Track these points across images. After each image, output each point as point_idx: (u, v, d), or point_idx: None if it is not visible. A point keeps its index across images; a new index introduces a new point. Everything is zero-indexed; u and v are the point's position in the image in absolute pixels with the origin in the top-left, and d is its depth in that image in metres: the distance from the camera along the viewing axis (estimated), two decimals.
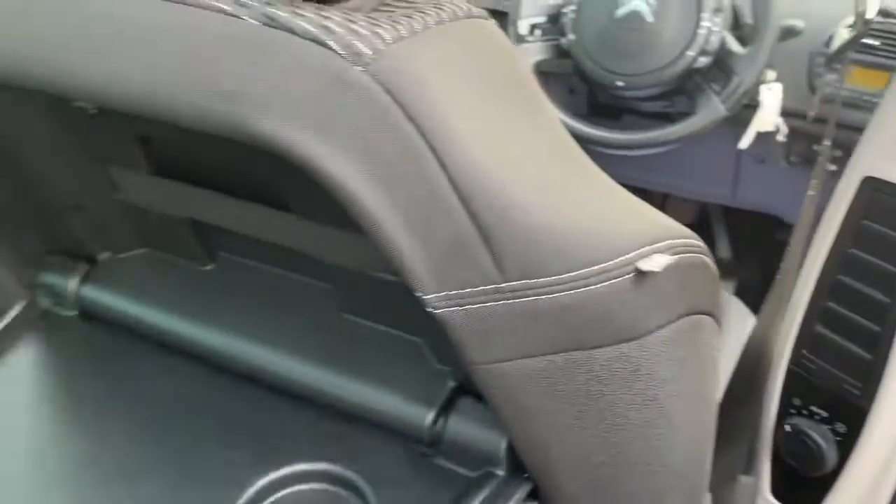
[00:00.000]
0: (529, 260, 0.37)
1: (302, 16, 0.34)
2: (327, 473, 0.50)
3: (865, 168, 0.58)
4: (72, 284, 0.63)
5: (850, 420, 0.54)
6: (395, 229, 0.35)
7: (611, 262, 0.39)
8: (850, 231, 0.57)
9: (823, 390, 0.55)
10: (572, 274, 0.38)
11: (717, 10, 0.80)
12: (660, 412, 0.47)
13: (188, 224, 0.57)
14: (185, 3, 0.36)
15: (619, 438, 0.46)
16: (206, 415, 0.55)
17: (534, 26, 1.16)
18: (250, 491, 0.49)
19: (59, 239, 0.62)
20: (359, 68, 0.33)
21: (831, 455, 0.55)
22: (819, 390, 0.55)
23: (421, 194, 0.35)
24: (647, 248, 0.41)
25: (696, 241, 0.47)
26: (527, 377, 0.41)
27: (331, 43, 0.33)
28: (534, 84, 0.46)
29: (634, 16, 0.83)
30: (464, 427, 0.50)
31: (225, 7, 0.35)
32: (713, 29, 0.79)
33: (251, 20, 0.34)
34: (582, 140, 0.86)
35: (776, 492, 0.60)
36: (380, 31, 0.35)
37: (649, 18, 0.82)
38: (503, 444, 0.49)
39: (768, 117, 0.80)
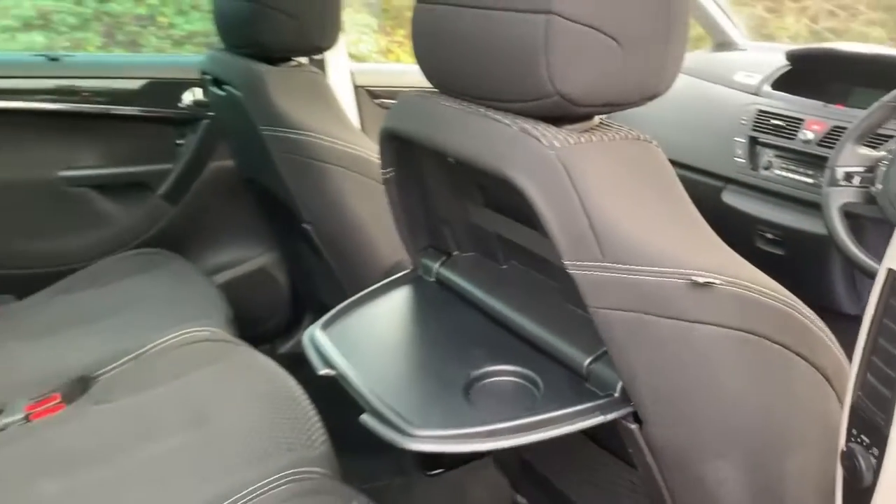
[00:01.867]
0: (621, 254, 0.74)
1: (534, 127, 0.77)
2: (520, 372, 0.90)
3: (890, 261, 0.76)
4: (436, 266, 1.13)
5: (880, 444, 0.74)
6: (558, 234, 0.76)
7: (673, 269, 0.74)
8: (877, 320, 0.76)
9: (868, 422, 0.76)
10: (645, 268, 0.74)
11: None
12: (710, 391, 0.78)
13: (496, 237, 1.04)
14: (485, 116, 0.82)
15: (676, 386, 0.78)
16: (475, 340, 0.99)
17: (850, 174, 1.44)
18: (476, 372, 0.91)
19: (435, 238, 1.13)
20: (552, 153, 0.75)
21: (868, 473, 0.75)
22: (865, 422, 0.76)
23: (570, 217, 0.75)
24: (706, 272, 0.75)
25: (772, 289, 0.78)
26: (619, 323, 0.77)
27: (542, 140, 0.76)
28: (679, 188, 0.82)
29: None
30: (602, 370, 0.86)
31: (502, 119, 0.80)
32: None
33: (513, 127, 0.78)
34: None
35: None
36: (570, 137, 0.76)
37: None
38: (620, 383, 0.83)
39: None
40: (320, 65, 2.05)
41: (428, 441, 0.80)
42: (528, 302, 0.98)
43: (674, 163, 0.83)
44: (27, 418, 1.40)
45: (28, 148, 1.99)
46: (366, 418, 0.85)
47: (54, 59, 2.04)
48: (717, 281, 0.75)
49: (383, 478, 1.78)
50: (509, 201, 0.95)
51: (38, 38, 4.81)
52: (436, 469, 1.81)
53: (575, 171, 0.74)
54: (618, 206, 0.75)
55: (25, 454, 1.27)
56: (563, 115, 0.78)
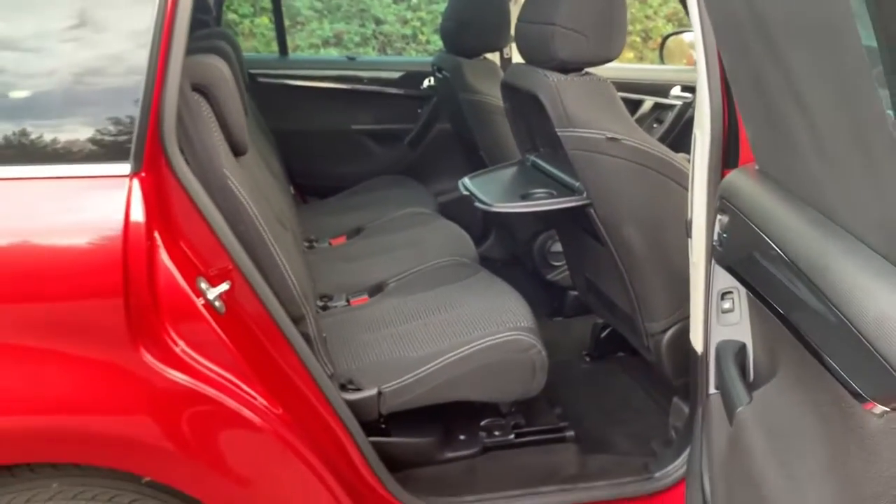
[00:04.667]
0: (577, 124, 1.76)
1: (549, 74, 1.80)
2: (548, 191, 1.92)
3: None
4: (531, 157, 2.18)
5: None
6: (553, 118, 1.79)
7: (599, 131, 1.75)
8: None
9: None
10: (586, 129, 1.75)
11: None
12: (621, 190, 1.77)
13: (556, 137, 2.07)
14: (535, 70, 1.86)
15: (606, 189, 1.78)
16: (535, 181, 2.02)
17: None
18: (528, 191, 1.95)
19: (531, 141, 2.18)
20: (553, 83, 1.78)
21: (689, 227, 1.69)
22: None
23: (557, 110, 1.78)
24: (617, 134, 1.74)
25: (657, 147, 1.76)
26: (579, 156, 1.78)
27: (549, 78, 1.79)
28: (616, 101, 1.81)
29: None
30: (581, 186, 1.86)
31: (538, 71, 1.84)
32: None
33: (540, 73, 1.82)
34: None
35: None
36: (564, 77, 1.79)
37: None
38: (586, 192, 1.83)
39: None
40: (509, 61, 3.17)
41: (500, 207, 1.87)
42: (565, 166, 1.99)
43: None
44: (329, 244, 2.67)
45: (333, 111, 3.36)
46: (477, 203, 1.93)
47: (351, 59, 3.42)
48: (619, 137, 1.73)
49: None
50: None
51: (333, 51, 6.50)
52: (558, 316, 2.82)
53: (562, 91, 1.77)
54: (578, 104, 1.76)
55: (349, 322, 2.47)
56: (564, 68, 1.81)
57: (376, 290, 2.21)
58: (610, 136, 1.73)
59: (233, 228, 1.45)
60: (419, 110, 3.39)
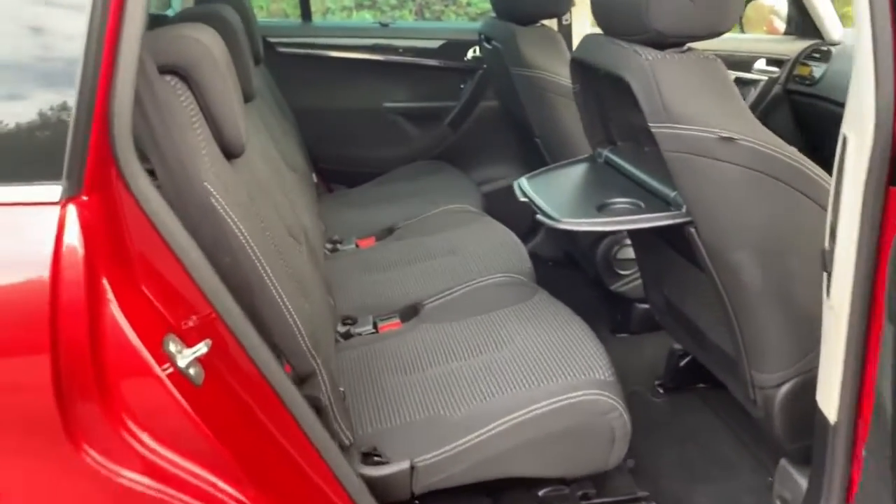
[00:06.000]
0: (677, 119, 1.33)
1: (640, 49, 1.36)
2: (632, 201, 1.50)
3: None
4: (605, 151, 1.74)
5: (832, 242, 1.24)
6: (645, 108, 1.35)
7: (708, 128, 1.31)
8: None
9: (832, 228, 1.26)
10: (691, 126, 1.32)
11: None
12: (734, 207, 1.33)
13: (641, 129, 1.63)
14: (619, 45, 1.43)
15: (713, 204, 1.35)
16: (613, 187, 1.60)
17: None
18: (607, 200, 1.53)
19: (606, 133, 1.75)
20: (646, 63, 1.35)
21: (829, 263, 1.26)
22: (831, 229, 1.27)
23: (651, 98, 1.35)
24: (732, 132, 1.30)
25: (784, 149, 1.31)
26: (678, 162, 1.34)
27: (641, 55, 1.35)
28: (730, 87, 1.36)
29: None
30: (678, 199, 1.43)
31: (625, 45, 1.40)
32: None
33: (629, 49, 1.38)
34: None
35: None
36: (659, 54, 1.35)
37: None
38: (685, 206, 1.40)
39: None
40: (568, 28, 2.71)
41: (570, 224, 1.45)
42: (652, 167, 1.57)
43: None
44: (357, 246, 2.28)
45: (362, 86, 2.93)
46: (540, 217, 1.52)
47: (384, 25, 2.96)
48: (735, 137, 1.30)
49: None
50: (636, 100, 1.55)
51: (366, 15, 6.04)
52: (623, 333, 2.41)
53: (658, 73, 1.34)
54: (680, 93, 1.33)
55: (355, 261, 2.13)
56: (660, 42, 1.37)
57: (410, 313, 1.84)
58: (724, 134, 1.29)
59: (216, 262, 1.07)
60: (462, 86, 2.94)
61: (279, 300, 1.18)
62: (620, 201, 1.52)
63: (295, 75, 2.84)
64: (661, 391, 2.09)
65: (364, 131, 2.95)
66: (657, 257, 1.79)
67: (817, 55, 2.64)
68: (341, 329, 1.78)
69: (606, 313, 2.46)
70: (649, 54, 1.36)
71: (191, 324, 1.02)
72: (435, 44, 2.93)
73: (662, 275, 1.82)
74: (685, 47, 1.40)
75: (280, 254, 1.31)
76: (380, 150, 2.97)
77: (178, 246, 1.01)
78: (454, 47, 2.91)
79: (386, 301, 1.88)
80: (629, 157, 1.66)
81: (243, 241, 1.14)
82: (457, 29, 3.01)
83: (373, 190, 2.70)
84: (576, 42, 2.73)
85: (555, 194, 1.63)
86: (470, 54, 2.88)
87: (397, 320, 1.81)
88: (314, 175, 2.69)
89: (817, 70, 2.61)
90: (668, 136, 1.33)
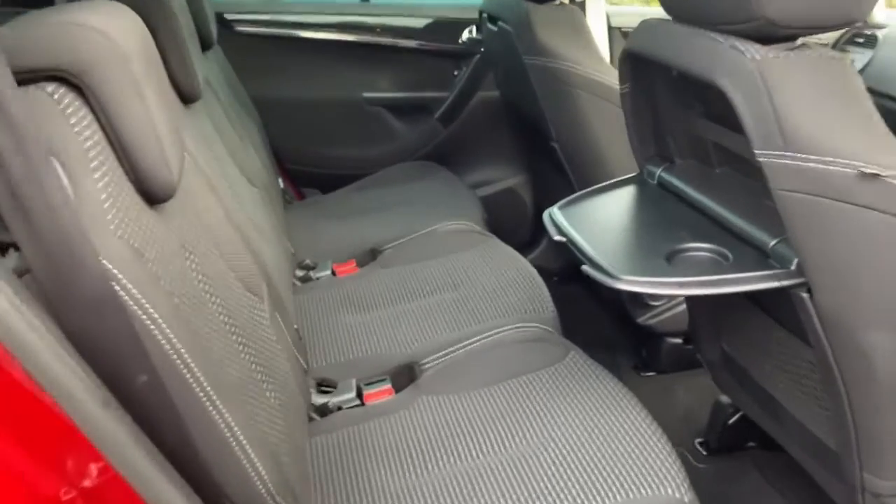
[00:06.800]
0: (800, 146, 0.93)
1: (741, 44, 0.96)
2: (714, 248, 1.10)
3: None
4: (658, 171, 1.35)
5: None
6: (751, 129, 0.96)
7: (844, 161, 0.91)
8: None
9: None
10: (820, 157, 0.92)
11: None
12: (874, 268, 0.94)
13: (712, 145, 1.24)
14: (704, 35, 1.02)
15: (844, 262, 0.95)
16: (681, 224, 1.20)
17: None
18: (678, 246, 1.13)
19: (660, 147, 1.35)
20: (753, 64, 0.95)
21: None
22: None
23: (762, 114, 0.95)
24: (877, 166, 0.91)
25: None
26: (796, 204, 0.95)
27: (746, 53, 0.95)
28: (864, 101, 0.97)
29: None
30: (784, 250, 1.04)
31: (717, 38, 1.00)
32: None
33: (725, 43, 0.98)
34: None
35: None
36: (770, 53, 0.95)
37: None
38: (796, 260, 1.01)
39: None
40: (581, 6, 2.29)
41: (632, 283, 1.05)
42: (732, 199, 1.18)
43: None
44: (333, 273, 1.86)
45: (339, 72, 2.48)
46: (586, 269, 1.12)
47: (365, 0, 2.51)
48: (884, 173, 0.91)
49: None
50: (723, 110, 1.15)
51: None
52: (649, 371, 2.04)
53: (770, 79, 0.94)
54: (802, 109, 0.94)
55: (333, 297, 1.72)
56: (768, 35, 0.97)
57: (404, 375, 1.44)
58: (868, 170, 0.91)
59: (124, 385, 0.67)
60: (455, 73, 2.50)
61: (228, 436, 0.77)
62: (695, 247, 1.13)
63: (257, 61, 2.38)
64: (705, 453, 1.72)
65: (340, 127, 2.50)
66: (721, 306, 1.41)
67: (860, 40, 2.26)
68: (317, 402, 1.37)
69: (629, 345, 2.09)
70: (755, 51, 0.96)
71: (73, 494, 0.62)
72: (423, 22, 2.49)
73: (726, 327, 1.43)
74: (798, 42, 1.00)
75: (230, 345, 0.89)
76: (358, 149, 2.52)
77: (40, 368, 0.61)
78: (447, 27, 2.47)
79: (375, 360, 1.47)
80: (694, 180, 1.27)
81: (168, 348, 0.73)
82: (448, 4, 2.56)
83: (351, 197, 2.27)
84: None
85: (602, 233, 1.23)
86: (465, 35, 2.45)
87: (388, 385, 1.41)
88: (280, 181, 2.25)
89: (860, 58, 2.24)
90: (785, 169, 0.94)
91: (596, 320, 2.23)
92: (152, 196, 0.84)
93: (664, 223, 1.23)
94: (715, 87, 0.99)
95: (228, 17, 2.37)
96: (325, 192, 2.42)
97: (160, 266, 0.79)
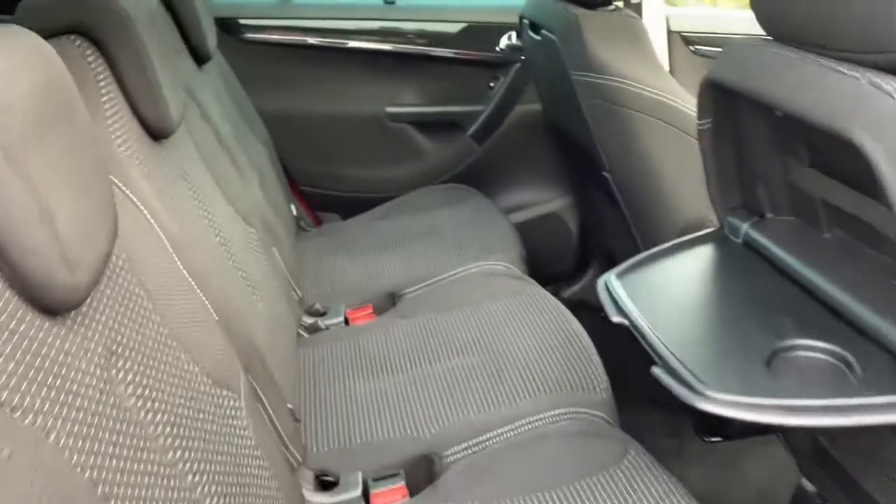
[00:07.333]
0: None
1: (888, 83, 0.68)
2: (833, 351, 0.82)
3: None
4: (745, 226, 1.07)
5: None
6: None
7: None
8: None
9: None
10: None
11: None
12: None
13: (820, 202, 0.95)
14: (827, 67, 0.74)
15: None
16: (783, 310, 0.92)
17: None
18: (782, 343, 0.85)
19: (747, 197, 1.07)
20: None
21: None
22: None
23: None
24: None
25: None
26: None
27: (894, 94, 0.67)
28: None
29: None
30: None
31: (848, 72, 0.72)
32: None
33: (862, 80, 0.70)
34: None
35: None
36: None
37: None
38: None
39: None
40: (637, 9, 1.99)
41: (722, 404, 0.78)
42: (851, 276, 0.89)
43: None
44: (346, 321, 1.61)
45: (359, 84, 2.22)
46: (657, 371, 0.85)
47: (390, 3, 2.24)
48: None
49: (657, 435, 1.76)
50: (842, 163, 0.86)
51: None
52: (715, 437, 1.76)
53: None
54: None
55: (342, 354, 1.46)
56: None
57: (421, 468, 1.19)
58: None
59: None
60: (491, 84, 2.21)
61: None
62: (805, 346, 0.85)
63: (267, 70, 2.14)
64: None
65: (361, 145, 2.24)
66: None
67: None
68: (311, 499, 1.12)
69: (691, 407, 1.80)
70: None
71: None
72: (456, 28, 2.21)
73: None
74: None
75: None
76: (381, 170, 2.26)
77: None
78: (482, 32, 2.18)
79: (384, 443, 1.21)
80: (795, 244, 0.99)
81: None
82: (484, 8, 2.28)
83: (372, 226, 2.01)
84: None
85: (676, 315, 0.95)
86: (504, 42, 2.16)
87: (401, 483, 1.15)
88: (293, 206, 2.01)
89: None
90: None
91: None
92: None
93: (758, 304, 0.94)
94: (837, 134, 0.71)
95: (233, 22, 2.13)
96: (344, 216, 2.16)
97: None
